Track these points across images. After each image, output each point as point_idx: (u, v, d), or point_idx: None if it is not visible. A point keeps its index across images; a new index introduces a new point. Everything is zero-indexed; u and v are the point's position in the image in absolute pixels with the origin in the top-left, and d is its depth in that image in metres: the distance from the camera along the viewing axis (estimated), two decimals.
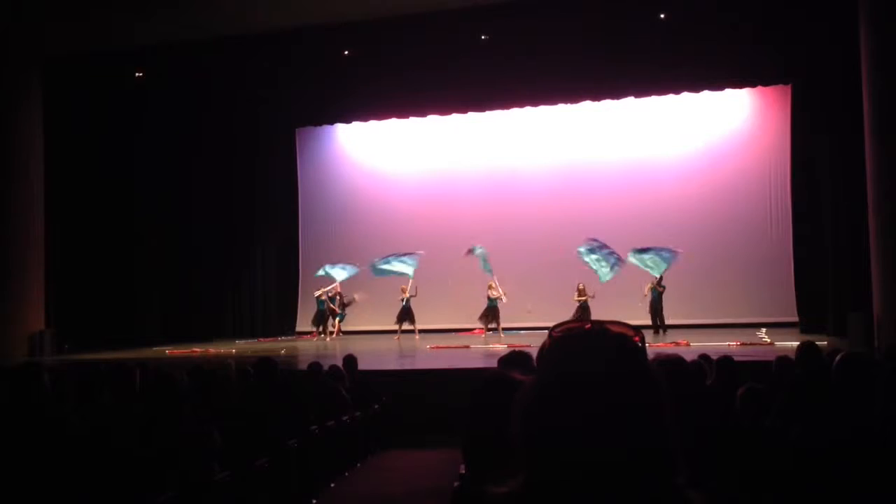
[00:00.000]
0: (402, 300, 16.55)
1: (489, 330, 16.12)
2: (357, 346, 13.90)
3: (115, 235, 17.10)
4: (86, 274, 16.46)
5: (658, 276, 15.07)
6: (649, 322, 14.86)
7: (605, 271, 15.05)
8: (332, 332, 17.35)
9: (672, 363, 3.29)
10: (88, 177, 16.75)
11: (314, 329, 17.43)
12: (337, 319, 17.46)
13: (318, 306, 17.37)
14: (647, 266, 15.04)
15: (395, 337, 16.37)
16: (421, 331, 16.55)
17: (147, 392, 4.93)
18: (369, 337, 17.04)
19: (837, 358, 3.51)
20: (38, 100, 16.03)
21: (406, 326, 16.57)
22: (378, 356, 12.63)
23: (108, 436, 3.88)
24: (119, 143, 17.05)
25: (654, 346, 12.14)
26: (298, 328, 18.78)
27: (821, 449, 2.99)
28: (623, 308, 14.73)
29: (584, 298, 15.48)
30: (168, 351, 14.79)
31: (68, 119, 16.28)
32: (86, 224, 16.66)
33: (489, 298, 15.97)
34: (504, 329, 16.10)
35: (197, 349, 14.99)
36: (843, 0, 12.71)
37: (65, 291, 16.19)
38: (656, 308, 15.12)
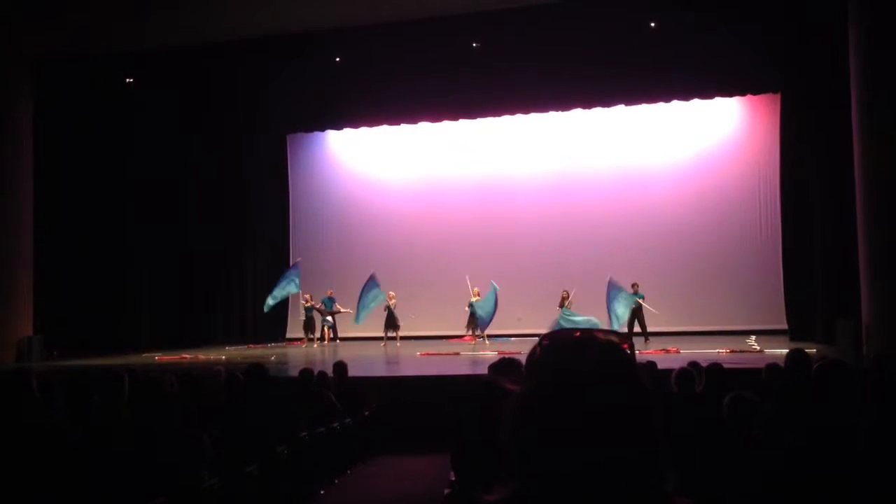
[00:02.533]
0: (386, 307, 16.47)
1: (477, 336, 16.07)
2: (347, 353, 13.89)
3: (104, 241, 17.01)
4: (75, 279, 16.36)
5: (627, 319, 14.56)
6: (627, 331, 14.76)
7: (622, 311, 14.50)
8: (320, 339, 17.29)
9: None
10: (79, 181, 16.67)
11: (304, 336, 17.38)
12: (326, 326, 17.39)
13: (306, 313, 17.33)
14: (617, 316, 14.44)
15: (382, 343, 16.31)
16: (412, 337, 16.48)
17: (136, 398, 4.91)
18: (359, 343, 16.99)
19: (815, 366, 3.55)
20: (30, 102, 15.96)
21: (390, 333, 16.52)
22: (368, 363, 12.61)
23: (96, 441, 3.87)
24: (110, 148, 16.99)
25: (643, 353, 12.16)
26: (289, 335, 18.71)
27: (805, 454, 3.01)
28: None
29: (567, 305, 15.46)
30: (157, 357, 14.70)
31: (60, 122, 16.21)
32: (75, 229, 16.57)
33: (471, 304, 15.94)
34: (495, 336, 16.08)
35: (186, 355, 14.90)
36: (832, 10, 12.82)
37: (54, 297, 16.08)
38: (637, 318, 14.99)
